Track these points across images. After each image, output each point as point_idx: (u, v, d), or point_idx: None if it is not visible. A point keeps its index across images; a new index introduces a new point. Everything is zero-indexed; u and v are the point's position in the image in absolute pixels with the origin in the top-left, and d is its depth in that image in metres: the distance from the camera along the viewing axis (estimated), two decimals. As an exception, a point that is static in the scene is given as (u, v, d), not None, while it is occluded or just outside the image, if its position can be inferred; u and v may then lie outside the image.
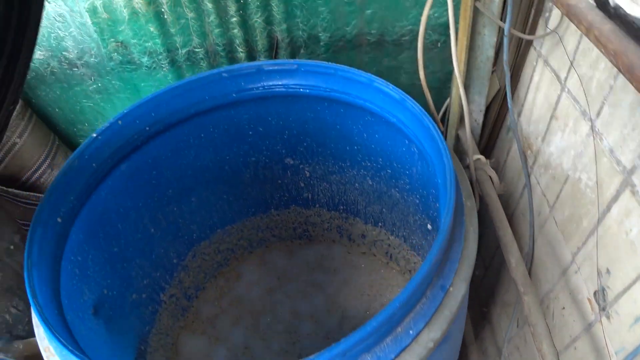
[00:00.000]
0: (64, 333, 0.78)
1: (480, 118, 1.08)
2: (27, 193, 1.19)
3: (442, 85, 1.19)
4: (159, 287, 1.22)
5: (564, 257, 0.91)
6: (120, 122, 1.01)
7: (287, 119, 1.14)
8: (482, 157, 1.02)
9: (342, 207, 1.30)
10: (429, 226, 1.11)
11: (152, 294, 1.20)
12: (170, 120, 1.08)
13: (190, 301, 1.31)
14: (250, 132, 1.17)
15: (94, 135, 0.98)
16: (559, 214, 0.91)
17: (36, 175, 1.22)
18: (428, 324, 0.74)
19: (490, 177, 1.00)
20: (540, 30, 0.95)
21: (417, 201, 1.11)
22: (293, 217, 1.34)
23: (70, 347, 0.73)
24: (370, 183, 1.20)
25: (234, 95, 1.09)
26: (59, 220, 0.91)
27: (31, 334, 1.32)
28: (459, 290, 0.78)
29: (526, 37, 0.92)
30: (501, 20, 0.97)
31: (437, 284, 0.77)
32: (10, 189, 1.17)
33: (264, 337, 1.24)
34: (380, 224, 1.27)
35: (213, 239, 1.30)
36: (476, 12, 0.96)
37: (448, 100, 1.15)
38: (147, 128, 1.05)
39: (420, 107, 0.90)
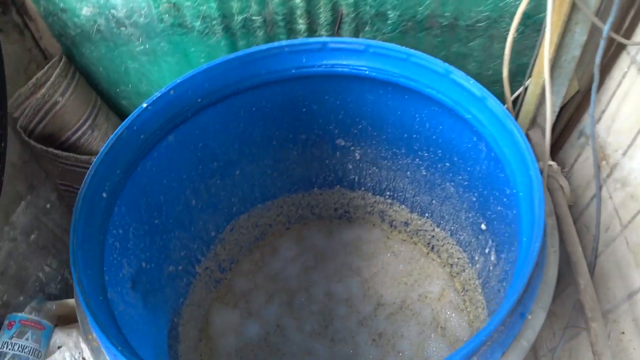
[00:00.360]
0: (111, 328, 0.71)
1: (552, 119, 0.98)
2: (67, 154, 1.10)
3: (510, 78, 1.08)
4: (195, 259, 1.15)
5: (633, 280, 0.83)
6: (172, 92, 0.91)
7: (345, 100, 1.04)
8: (554, 164, 0.93)
9: (388, 193, 1.21)
10: (483, 226, 1.02)
11: (188, 266, 1.14)
12: (223, 93, 0.98)
13: (224, 273, 1.24)
14: (304, 110, 1.07)
15: (144, 105, 0.88)
16: (633, 236, 0.83)
17: (76, 135, 1.13)
18: (505, 354, 0.67)
19: (561, 186, 0.91)
20: (638, 35, 0.84)
21: (474, 199, 1.02)
22: (336, 198, 1.26)
23: (119, 347, 0.67)
24: (424, 173, 1.11)
25: (293, 71, 0.99)
26: (104, 195, 0.83)
27: (63, 292, 1.27)
28: (537, 319, 0.70)
29: (624, 41, 0.81)
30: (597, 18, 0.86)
31: (517, 310, 0.69)
32: (49, 149, 1.09)
33: (297, 316, 1.18)
34: (427, 214, 1.18)
35: (252, 213, 1.22)
36: (572, 7, 0.85)
37: (518, 95, 1.04)
38: (200, 100, 0.95)
39: (504, 107, 0.80)
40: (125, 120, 0.86)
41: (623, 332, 0.84)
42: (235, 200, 1.17)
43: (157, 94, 0.89)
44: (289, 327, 1.16)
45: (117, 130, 0.85)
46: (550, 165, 0.96)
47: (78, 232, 0.76)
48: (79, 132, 1.14)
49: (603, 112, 0.91)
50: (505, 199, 0.90)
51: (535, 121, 0.96)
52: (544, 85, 0.89)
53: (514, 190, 0.77)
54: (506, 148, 0.78)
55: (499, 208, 0.94)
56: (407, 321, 1.15)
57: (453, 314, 1.14)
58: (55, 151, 1.09)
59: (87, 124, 1.14)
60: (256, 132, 1.08)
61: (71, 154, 1.11)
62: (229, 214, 1.18)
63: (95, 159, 0.82)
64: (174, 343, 1.08)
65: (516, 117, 1.02)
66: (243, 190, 1.17)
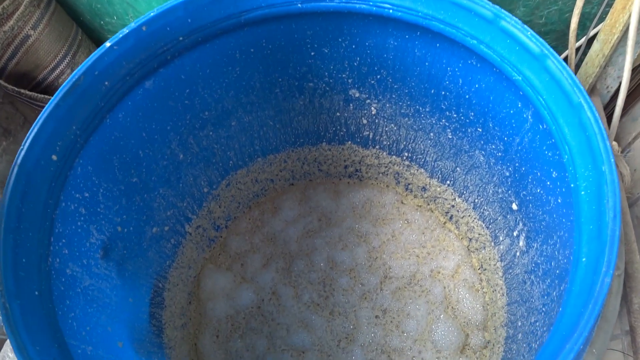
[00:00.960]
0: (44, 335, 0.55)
1: (614, 86, 0.76)
2: (44, 96, 0.91)
3: (565, 28, 0.85)
4: (184, 218, 0.97)
5: None
6: (144, 28, 0.69)
7: (363, 43, 0.82)
8: (615, 144, 0.72)
9: (406, 154, 1.00)
10: (514, 206, 0.83)
11: (176, 226, 0.96)
12: (212, 30, 0.76)
13: (219, 231, 1.06)
14: (313, 53, 0.85)
15: (108, 44, 0.66)
16: None
17: (54, 74, 0.92)
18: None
19: (621, 173, 0.70)
20: None
21: (507, 174, 0.82)
22: (346, 155, 1.05)
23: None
24: (450, 137, 0.89)
25: (299, 5, 0.76)
26: (55, 158, 0.64)
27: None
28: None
29: None
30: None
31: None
32: (24, 91, 0.89)
33: (295, 284, 1.02)
34: (448, 182, 0.98)
35: (252, 167, 1.03)
36: None
37: (569, 52, 0.81)
38: (181, 38, 0.74)
39: (570, 72, 0.59)
40: (83, 64, 0.65)
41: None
42: (232, 154, 0.97)
43: (125, 31, 0.66)
44: (285, 295, 1.00)
45: (71, 76, 0.65)
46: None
47: (11, 213, 0.58)
48: (57, 70, 0.94)
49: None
50: (549, 183, 0.70)
51: (595, 87, 0.74)
52: (622, 36, 0.66)
53: (571, 183, 0.56)
54: (567, 126, 0.56)
55: (538, 190, 0.74)
56: (416, 298, 0.98)
57: (467, 294, 0.96)
58: (29, 93, 0.89)
59: (66, 61, 0.93)
60: (255, 78, 0.86)
61: (47, 97, 0.92)
62: (224, 168, 0.99)
63: (40, 114, 0.64)
64: (157, 310, 0.93)
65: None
66: (240, 142, 0.97)
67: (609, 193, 0.48)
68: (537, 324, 0.73)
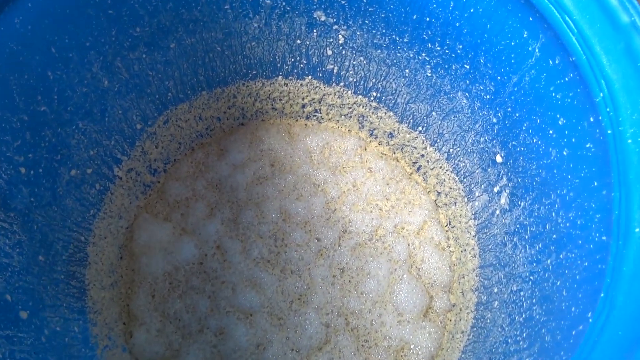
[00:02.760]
0: None
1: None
2: None
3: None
4: (112, 160, 0.77)
5: None
6: None
7: (333, -48, 0.64)
8: None
9: (374, 94, 0.83)
10: (499, 158, 0.68)
11: (102, 168, 0.76)
12: None
13: (156, 175, 0.87)
14: (271, -39, 0.67)
15: None
16: None
17: None
18: None
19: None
20: None
21: (495, 120, 0.66)
22: (305, 92, 0.87)
23: None
24: (429, 75, 0.73)
25: None
26: None
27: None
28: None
29: None
30: None
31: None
32: None
33: (243, 237, 0.85)
34: (420, 128, 0.83)
35: (195, 102, 0.82)
36: None
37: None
38: None
39: None
40: None
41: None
42: (171, 84, 0.78)
43: None
44: (231, 250, 0.83)
45: None
46: None
47: None
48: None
49: None
50: (551, 132, 0.55)
51: None
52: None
53: (607, 128, 0.41)
54: (607, 55, 0.41)
55: (534, 140, 0.60)
56: (377, 256, 0.84)
57: (433, 253, 0.84)
58: None
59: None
60: (199, -13, 0.67)
61: None
62: (161, 101, 0.79)
63: None
64: (79, 269, 0.74)
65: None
66: (181, 71, 0.77)
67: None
68: (522, 293, 0.61)
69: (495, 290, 0.68)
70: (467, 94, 0.68)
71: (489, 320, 0.68)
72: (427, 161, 0.83)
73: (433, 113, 0.76)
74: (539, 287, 0.56)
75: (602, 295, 0.37)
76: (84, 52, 0.63)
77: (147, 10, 0.65)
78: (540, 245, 0.58)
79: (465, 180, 0.77)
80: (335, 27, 0.72)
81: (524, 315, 0.58)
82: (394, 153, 0.88)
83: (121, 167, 0.78)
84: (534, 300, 0.57)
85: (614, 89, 0.40)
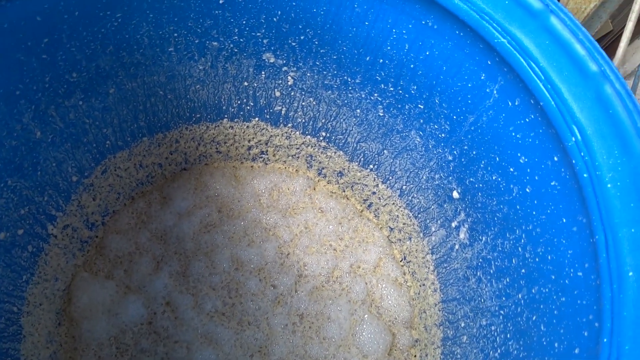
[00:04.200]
0: None
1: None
2: None
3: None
4: (46, 217, 0.68)
5: None
6: None
7: (285, -6, 0.62)
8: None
9: (324, 134, 0.80)
10: (456, 194, 0.69)
11: (35, 228, 0.67)
12: None
13: (94, 230, 0.79)
14: (222, 1, 0.63)
15: None
16: None
17: None
18: None
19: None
20: None
21: (451, 157, 0.67)
22: (251, 134, 0.82)
23: None
24: (381, 114, 0.72)
25: None
26: None
27: None
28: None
29: None
30: None
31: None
32: None
33: (194, 291, 0.78)
34: (371, 166, 0.81)
35: (135, 149, 0.75)
36: None
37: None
38: None
39: (585, 31, 0.44)
40: None
41: None
42: (109, 132, 0.71)
43: None
44: (182, 305, 0.76)
45: None
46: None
47: None
48: None
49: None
50: (512, 169, 0.56)
51: None
52: None
53: (583, 172, 0.41)
54: (577, 102, 0.41)
55: (493, 178, 0.60)
56: (336, 299, 0.81)
57: (391, 290, 0.82)
58: None
59: None
60: (142, 29, 0.61)
61: None
62: (99, 150, 0.72)
63: None
64: (12, 345, 0.64)
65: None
66: (121, 117, 0.70)
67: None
68: (493, 328, 0.60)
69: (462, 324, 0.68)
70: (420, 133, 0.68)
71: (459, 356, 0.67)
72: (379, 198, 0.82)
73: (385, 151, 0.75)
74: (511, 321, 0.56)
75: (605, 340, 0.36)
76: (13, 101, 0.56)
77: (85, 54, 0.59)
78: (508, 280, 0.58)
79: (420, 215, 0.77)
80: (285, 68, 0.69)
81: (499, 351, 0.57)
82: (344, 191, 0.86)
83: (56, 224, 0.69)
84: (508, 335, 0.56)
85: (586, 135, 0.41)
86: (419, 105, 0.65)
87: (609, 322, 0.36)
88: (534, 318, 0.52)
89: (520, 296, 0.55)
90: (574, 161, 0.42)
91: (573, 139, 0.42)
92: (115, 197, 0.77)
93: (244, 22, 0.63)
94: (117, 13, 0.57)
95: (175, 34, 0.63)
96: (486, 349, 0.60)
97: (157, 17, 0.60)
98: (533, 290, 0.53)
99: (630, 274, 0.36)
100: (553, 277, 0.50)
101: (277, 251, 0.81)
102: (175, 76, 0.69)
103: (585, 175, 0.41)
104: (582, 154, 0.41)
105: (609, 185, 0.38)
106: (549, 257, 0.51)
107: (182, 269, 0.78)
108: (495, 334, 0.59)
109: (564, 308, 0.47)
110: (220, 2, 0.60)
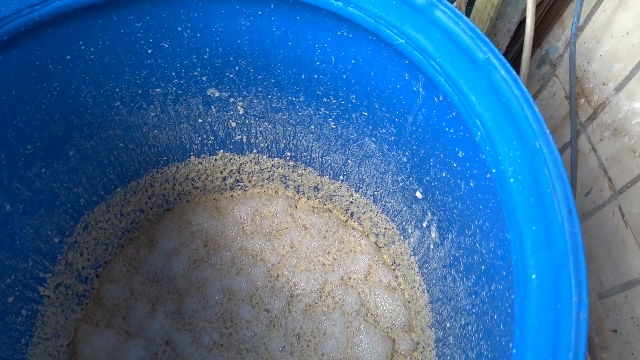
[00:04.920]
0: None
1: (506, 42, 0.63)
2: None
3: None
4: (34, 281, 0.71)
5: (632, 266, 0.53)
6: None
7: (209, 29, 0.61)
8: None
9: (289, 154, 0.81)
10: (419, 194, 0.67)
11: (25, 292, 0.70)
12: (6, 30, 0.54)
13: (88, 283, 0.82)
14: (150, 50, 0.64)
15: None
16: (633, 206, 0.52)
17: None
18: None
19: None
20: None
21: (405, 159, 0.66)
22: (221, 165, 0.83)
23: None
24: (333, 126, 0.72)
25: (112, -12, 0.56)
26: None
27: None
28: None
29: None
30: None
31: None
32: None
33: (191, 327, 0.80)
34: (342, 177, 0.81)
35: (112, 201, 0.78)
36: None
37: (456, 4, 0.67)
38: None
39: (468, 21, 0.43)
40: None
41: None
42: (81, 190, 0.74)
43: None
44: (181, 342, 0.78)
45: None
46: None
47: None
48: None
49: (581, 28, 0.57)
50: (455, 164, 0.54)
51: (496, 26, 0.60)
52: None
53: (492, 167, 0.40)
54: (474, 93, 0.41)
55: (443, 174, 0.59)
56: (330, 313, 0.80)
57: (385, 295, 0.81)
58: None
59: None
60: (84, 92, 0.64)
61: None
62: (75, 209, 0.75)
63: None
64: (16, 405, 0.69)
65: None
66: (88, 175, 0.73)
67: (554, 178, 0.34)
68: (469, 327, 0.58)
69: (448, 325, 0.66)
70: (373, 139, 0.66)
71: (448, 357, 0.65)
72: (357, 206, 0.81)
73: (349, 161, 0.74)
74: (481, 320, 0.54)
75: (514, 351, 0.34)
76: (-27, 183, 0.59)
77: (34, 126, 0.61)
78: (474, 277, 0.56)
79: (396, 219, 0.75)
80: (232, 99, 0.70)
81: (475, 351, 0.55)
82: (325, 204, 0.85)
83: (47, 285, 0.73)
84: (480, 335, 0.54)
85: (488, 127, 0.39)
86: (363, 113, 0.63)
87: (518, 331, 0.34)
88: (495, 317, 0.49)
89: (484, 294, 0.53)
90: (483, 156, 0.40)
91: (479, 132, 0.40)
92: (103, 249, 0.80)
93: (178, 64, 0.64)
94: (54, 83, 0.60)
95: (117, 89, 0.65)
96: (466, 349, 0.58)
97: (93, 78, 0.62)
98: (492, 287, 0.51)
99: (534, 276, 0.34)
100: (504, 273, 0.47)
101: (266, 275, 0.81)
102: (130, 127, 0.71)
103: (493, 170, 0.39)
104: (487, 148, 0.39)
105: (511, 180, 0.36)
106: (499, 253, 0.49)
107: (177, 307, 0.79)
108: (472, 333, 0.57)
109: (515, 306, 0.45)
110: (149, 51, 0.61)
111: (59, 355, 0.75)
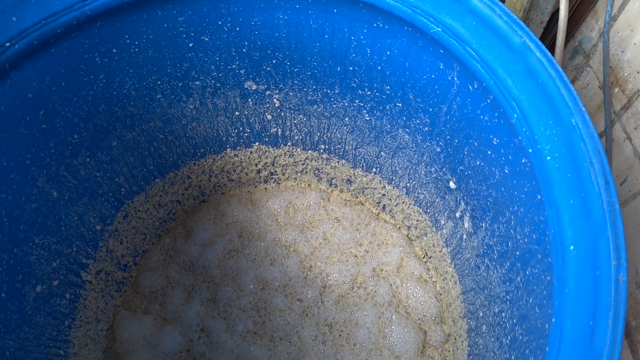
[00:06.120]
0: None
1: (538, 33, 0.64)
2: None
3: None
4: (78, 266, 0.76)
5: None
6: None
7: (247, 23, 0.64)
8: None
9: (323, 147, 0.83)
10: (452, 184, 0.69)
11: (69, 277, 0.75)
12: (52, 27, 0.56)
13: (127, 271, 0.86)
14: (191, 44, 0.67)
15: None
16: None
17: None
18: None
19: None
20: None
21: (439, 149, 0.68)
22: (256, 158, 0.86)
23: None
24: (367, 118, 0.74)
25: (158, -15, 0.59)
26: None
27: None
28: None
29: None
30: None
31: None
32: None
33: (225, 315, 0.83)
34: (374, 169, 0.83)
35: (151, 191, 0.82)
36: None
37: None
38: (8, 43, 0.55)
39: (503, 7, 0.44)
40: None
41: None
42: (122, 180, 0.77)
43: None
44: (216, 330, 0.81)
45: None
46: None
47: None
48: None
49: (614, 17, 0.58)
50: (490, 152, 0.56)
51: (528, 17, 0.61)
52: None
53: (528, 147, 0.41)
54: (510, 77, 0.42)
55: (477, 163, 0.60)
56: (362, 304, 0.82)
57: (416, 287, 0.82)
58: None
59: None
60: (127, 84, 0.67)
61: None
62: (116, 198, 0.78)
63: None
64: (61, 384, 0.72)
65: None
66: (129, 165, 0.77)
67: (590, 152, 0.35)
68: (503, 315, 0.59)
69: (481, 314, 0.66)
70: (407, 130, 0.68)
71: (481, 346, 0.66)
72: (390, 199, 0.82)
73: (382, 153, 0.76)
74: (516, 306, 0.55)
75: (553, 320, 0.35)
76: (25, 170, 0.63)
77: (81, 116, 0.65)
78: (508, 264, 0.57)
79: (428, 210, 0.76)
80: (268, 92, 0.72)
81: (509, 337, 0.56)
82: (357, 197, 0.87)
83: (89, 271, 0.76)
84: (514, 321, 0.55)
85: (524, 109, 0.40)
86: (398, 104, 0.65)
87: (557, 301, 0.35)
88: (530, 300, 0.50)
89: (519, 279, 0.54)
90: (520, 138, 0.41)
91: (515, 115, 0.41)
92: (142, 238, 0.83)
93: (217, 58, 0.67)
94: (100, 75, 0.63)
95: (159, 82, 0.68)
96: (500, 336, 0.59)
97: (137, 71, 0.65)
98: (527, 272, 0.52)
99: (572, 247, 0.35)
100: (539, 256, 0.48)
101: (299, 266, 0.84)
102: (170, 119, 0.74)
103: (530, 150, 0.40)
104: (524, 129, 0.40)
105: (548, 158, 0.37)
106: (534, 237, 0.50)
107: (212, 295, 0.82)
108: (506, 320, 0.58)
109: (551, 288, 0.46)
110: (190, 45, 0.64)
111: (99, 339, 0.78)
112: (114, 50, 0.61)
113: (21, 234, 0.65)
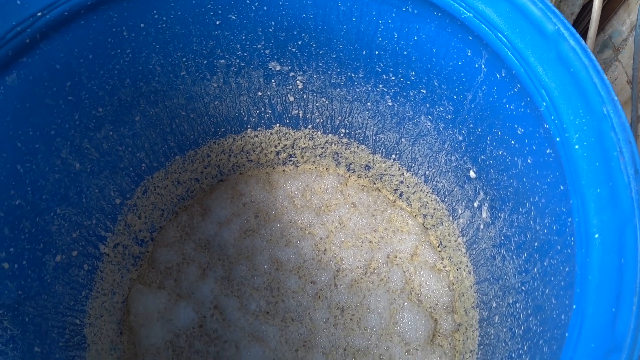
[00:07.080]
0: None
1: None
2: None
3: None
4: (97, 238, 0.77)
5: None
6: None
7: (275, 2, 0.64)
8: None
9: (343, 131, 0.84)
10: (472, 174, 0.69)
11: (88, 248, 0.76)
12: (82, 1, 0.59)
13: (144, 246, 0.87)
14: (218, 22, 0.67)
15: None
16: None
17: None
18: None
19: None
20: None
21: (461, 138, 0.68)
22: (276, 139, 0.88)
23: None
24: (390, 104, 0.74)
25: (189, -40, 0.59)
26: None
27: None
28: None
29: None
30: None
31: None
32: None
33: (239, 293, 0.84)
34: (394, 156, 0.83)
35: (170, 168, 0.83)
36: None
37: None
38: (40, 13, 0.56)
39: None
40: None
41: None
42: (143, 155, 0.79)
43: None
44: (229, 307, 0.82)
45: None
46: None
47: None
48: None
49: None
50: (513, 142, 0.56)
51: (559, 8, 0.61)
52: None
53: (555, 136, 0.42)
54: (541, 64, 0.42)
55: (500, 152, 0.60)
56: (374, 289, 0.83)
57: (430, 276, 0.83)
58: None
59: None
60: (153, 60, 0.68)
61: None
62: (136, 173, 0.80)
63: None
64: (78, 352, 0.73)
65: None
66: (151, 141, 0.78)
67: (621, 141, 0.35)
68: (517, 305, 0.60)
69: (494, 304, 0.67)
70: (429, 117, 0.68)
71: (493, 337, 0.66)
72: (407, 186, 0.83)
73: (402, 140, 0.76)
74: (531, 297, 0.55)
75: (574, 307, 0.36)
76: (50, 141, 0.64)
77: (106, 90, 0.66)
78: (525, 255, 0.58)
79: (446, 199, 0.77)
80: (292, 74, 0.73)
81: (522, 328, 0.57)
82: (374, 183, 0.88)
83: (107, 243, 0.78)
84: (529, 312, 0.55)
85: (554, 97, 0.40)
86: (422, 90, 0.65)
87: (579, 288, 0.36)
88: (546, 291, 0.51)
89: (536, 270, 0.55)
90: (547, 126, 0.41)
91: (544, 103, 0.42)
92: (159, 214, 0.85)
93: (243, 37, 0.67)
94: (127, 49, 0.64)
95: (184, 59, 0.69)
96: (513, 327, 0.59)
97: (163, 47, 0.66)
98: (545, 263, 0.52)
99: (596, 235, 0.35)
100: (559, 247, 0.49)
101: (313, 249, 0.85)
102: (193, 97, 0.75)
103: (557, 139, 0.40)
104: (552, 117, 0.41)
105: (576, 147, 0.38)
106: (554, 228, 0.50)
107: (226, 273, 0.83)
108: (520, 311, 0.58)
109: (569, 278, 0.46)
110: (217, 23, 0.65)
111: (114, 311, 0.80)
112: (142, 25, 0.62)
113: (43, 204, 0.66)
